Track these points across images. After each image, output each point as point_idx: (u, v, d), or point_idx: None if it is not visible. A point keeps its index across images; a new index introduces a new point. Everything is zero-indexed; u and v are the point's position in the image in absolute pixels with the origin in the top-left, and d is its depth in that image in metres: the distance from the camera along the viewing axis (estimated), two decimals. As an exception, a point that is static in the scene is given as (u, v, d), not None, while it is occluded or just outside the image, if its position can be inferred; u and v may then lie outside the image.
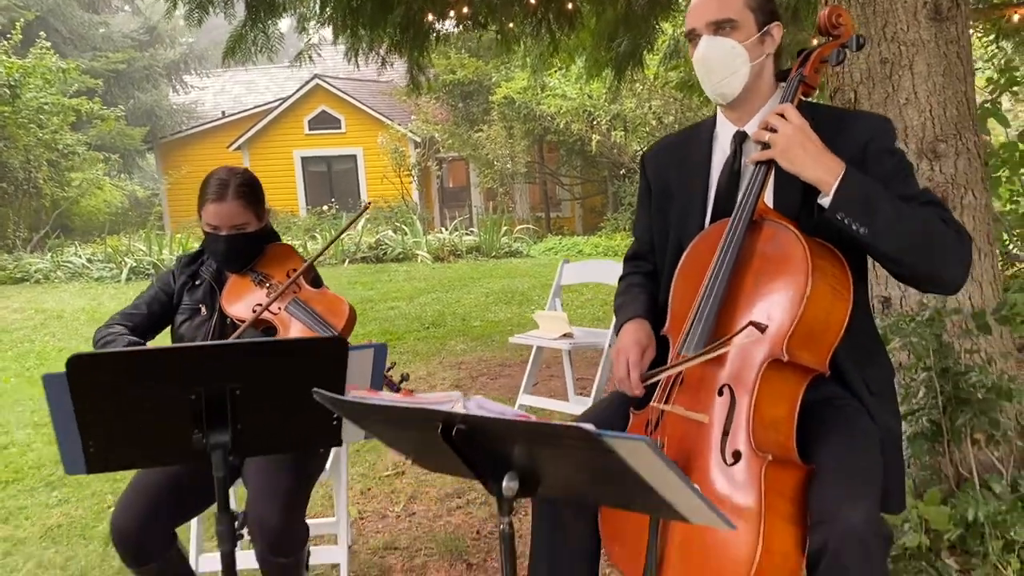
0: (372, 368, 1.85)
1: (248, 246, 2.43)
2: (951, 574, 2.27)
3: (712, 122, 1.96)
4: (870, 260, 1.81)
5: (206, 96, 25.38)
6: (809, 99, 1.84)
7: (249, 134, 19.68)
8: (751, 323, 1.63)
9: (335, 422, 1.87)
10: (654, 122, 13.13)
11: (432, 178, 19.16)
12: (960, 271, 1.70)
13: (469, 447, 1.29)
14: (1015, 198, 6.15)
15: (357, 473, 3.68)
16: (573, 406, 4.11)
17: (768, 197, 1.79)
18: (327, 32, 6.87)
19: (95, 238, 15.00)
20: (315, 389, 1.42)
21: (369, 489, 3.54)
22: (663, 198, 2.01)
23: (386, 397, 1.37)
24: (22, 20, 13.86)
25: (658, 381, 1.76)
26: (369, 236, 12.76)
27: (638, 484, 1.18)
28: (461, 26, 6.33)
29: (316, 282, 2.47)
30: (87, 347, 6.04)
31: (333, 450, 2.58)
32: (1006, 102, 7.16)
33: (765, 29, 1.78)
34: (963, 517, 2.27)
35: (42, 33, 14.63)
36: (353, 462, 3.78)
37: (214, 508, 1.74)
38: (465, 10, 5.60)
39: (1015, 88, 6.28)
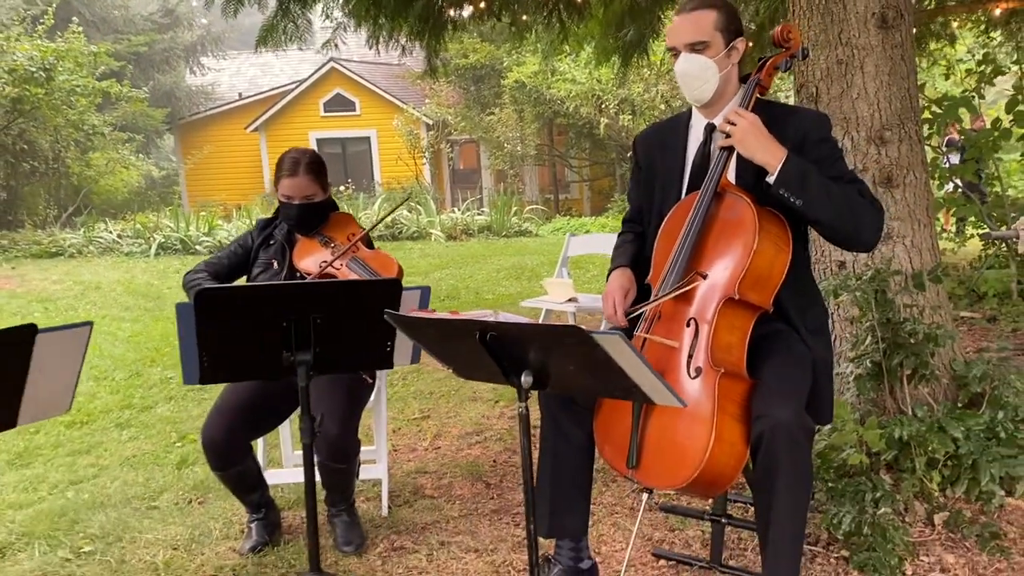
0: (418, 305, 2.36)
1: (315, 213, 2.96)
2: (885, 487, 2.76)
3: (688, 115, 2.45)
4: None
5: (222, 78, 25.81)
6: (765, 97, 2.33)
7: (266, 116, 20.18)
8: (696, 272, 2.15)
9: (388, 348, 2.39)
10: (663, 106, 13.58)
11: (444, 160, 19.63)
12: (874, 235, 2.20)
13: (499, 350, 1.81)
14: (991, 181, 6.64)
15: (389, 416, 4.20)
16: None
17: (731, 175, 2.29)
18: (339, 16, 7.28)
19: (117, 216, 15.55)
20: (386, 311, 1.94)
21: (399, 429, 4.07)
22: (649, 174, 2.51)
23: (438, 314, 1.88)
24: (54, 5, 14.37)
25: (640, 316, 2.27)
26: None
27: (615, 372, 1.69)
28: (478, 17, 6.77)
29: (369, 244, 2.99)
30: (127, 315, 6.60)
31: (377, 384, 3.10)
32: (990, 93, 7.58)
33: (731, 45, 2.26)
34: (893, 438, 2.77)
35: (75, 18, 15.17)
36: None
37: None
38: (482, 5, 6.05)
39: (999, 77, 6.74)
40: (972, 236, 7.26)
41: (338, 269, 2.84)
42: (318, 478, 2.51)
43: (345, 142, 20.34)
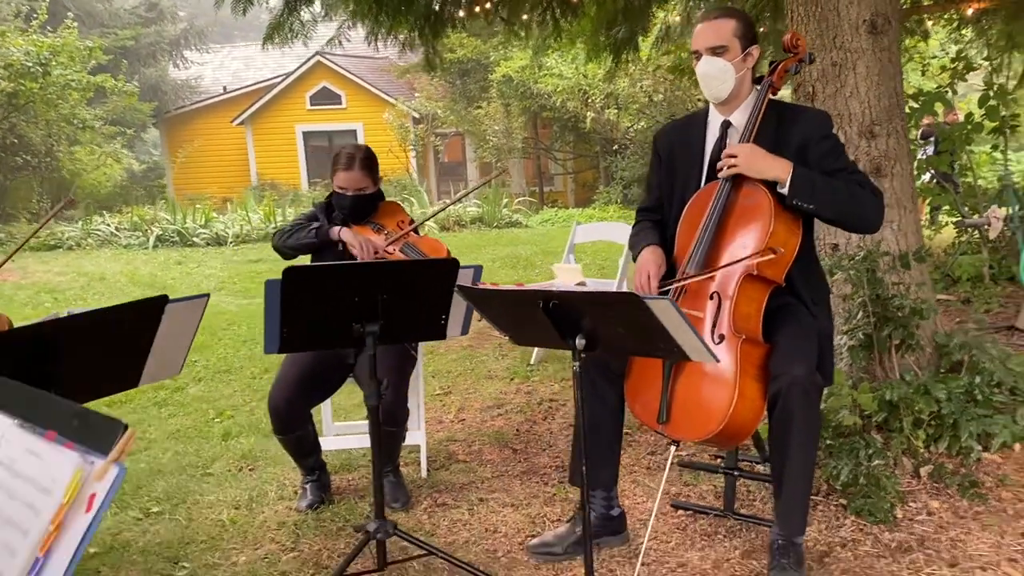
0: (472, 281, 2.65)
1: (367, 204, 3.25)
2: (876, 444, 3.09)
3: (706, 112, 2.76)
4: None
5: (206, 71, 25.81)
6: (776, 97, 2.64)
7: (252, 109, 20.31)
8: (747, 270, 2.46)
9: (443, 321, 2.69)
10: (644, 99, 13.92)
11: (430, 153, 19.87)
12: (878, 219, 2.53)
13: (558, 317, 2.11)
14: (964, 172, 7.03)
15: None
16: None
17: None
18: (318, 8, 7.42)
19: (104, 209, 15.65)
20: (458, 284, 2.24)
21: (424, 404, 4.36)
22: (671, 165, 2.82)
23: (504, 286, 2.18)
24: (47, 0, 14.46)
25: (669, 289, 2.58)
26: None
27: (661, 332, 2.00)
28: (482, 16, 7.02)
29: (417, 231, 3.28)
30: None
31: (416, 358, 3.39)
32: (962, 87, 7.99)
33: (747, 51, 2.57)
34: (884, 400, 3.11)
35: (69, 13, 15.25)
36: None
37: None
38: (487, 5, 6.32)
39: (971, 73, 7.12)
40: (946, 224, 7.65)
41: (391, 254, 3.13)
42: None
43: (331, 135, 20.50)
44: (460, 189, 18.16)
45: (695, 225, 2.59)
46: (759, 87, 2.63)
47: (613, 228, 5.05)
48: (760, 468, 3.03)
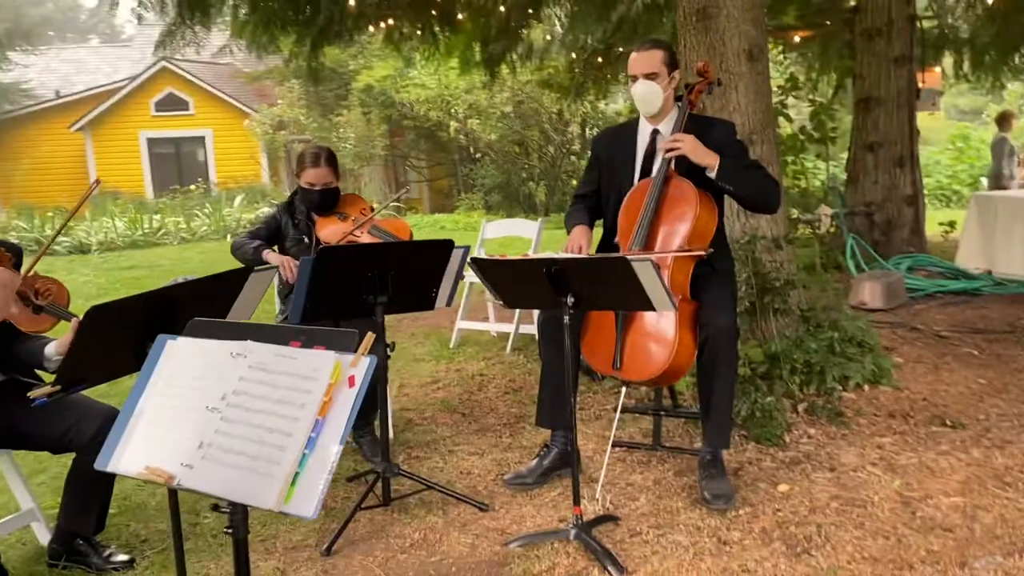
0: (460, 261, 3.20)
1: (333, 196, 3.71)
2: (761, 388, 3.88)
3: (636, 122, 3.43)
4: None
5: (30, 74, 24.44)
6: (692, 112, 3.35)
7: (92, 115, 19.54)
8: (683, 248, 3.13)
9: (434, 294, 3.22)
10: (508, 108, 14.74)
11: (282, 159, 19.84)
12: (777, 201, 3.29)
13: (557, 281, 2.71)
14: (796, 176, 8.17)
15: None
16: (494, 325, 5.56)
17: (673, 165, 3.30)
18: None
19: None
20: (472, 258, 2.78)
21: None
22: (609, 165, 3.48)
23: (513, 257, 2.75)
24: None
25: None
26: (248, 213, 13.59)
27: (638, 288, 2.63)
28: (385, 35, 7.47)
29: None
30: None
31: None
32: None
33: (672, 75, 3.27)
34: (769, 352, 3.90)
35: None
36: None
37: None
38: (391, 21, 6.81)
39: (797, 91, 8.28)
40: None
41: (358, 237, 3.60)
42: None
43: (179, 142, 20.06)
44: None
45: (635, 212, 3.25)
46: (679, 103, 3.33)
47: (521, 224, 5.67)
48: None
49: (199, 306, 2.24)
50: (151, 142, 20.02)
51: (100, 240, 12.06)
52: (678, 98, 3.35)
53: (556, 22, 9.03)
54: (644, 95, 3.25)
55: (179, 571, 2.32)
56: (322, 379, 1.59)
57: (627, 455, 3.56)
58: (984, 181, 13.32)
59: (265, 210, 13.65)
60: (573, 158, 15.87)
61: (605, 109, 16.11)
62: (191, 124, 19.95)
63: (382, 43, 9.37)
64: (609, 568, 2.65)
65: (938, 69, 10.79)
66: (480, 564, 2.76)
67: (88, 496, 2.75)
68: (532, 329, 5.36)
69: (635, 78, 3.26)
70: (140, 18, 7.11)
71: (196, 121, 19.92)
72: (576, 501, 2.84)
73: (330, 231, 3.65)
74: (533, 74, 9.98)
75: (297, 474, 1.52)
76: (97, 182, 3.03)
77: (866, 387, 4.07)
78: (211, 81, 19.83)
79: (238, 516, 1.69)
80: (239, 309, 2.47)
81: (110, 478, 2.79)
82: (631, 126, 3.46)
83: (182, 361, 1.77)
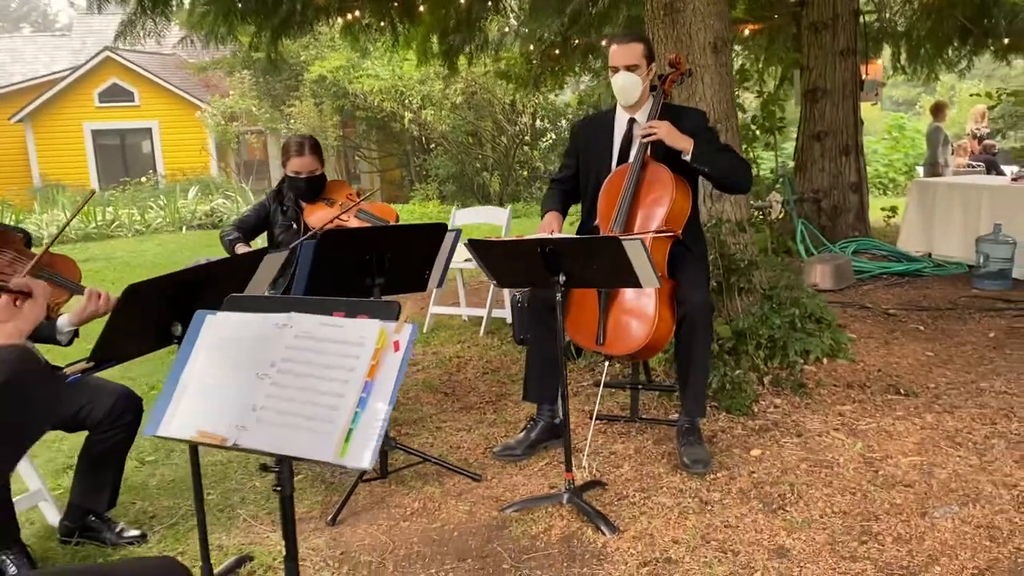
0: (452, 244, 3.35)
1: (319, 183, 3.83)
2: (729, 363, 4.11)
3: (613, 110, 3.62)
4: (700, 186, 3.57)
5: (-38, 64, 23.76)
6: (666, 101, 3.55)
7: (32, 106, 19.08)
8: (657, 229, 3.33)
9: (426, 276, 3.36)
10: (455, 101, 14.84)
11: (231, 151, 19.64)
12: (749, 183, 3.51)
13: (550, 261, 2.88)
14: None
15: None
16: (465, 309, 5.72)
17: (649, 151, 3.50)
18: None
19: None
20: (469, 239, 2.94)
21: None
22: (587, 152, 3.66)
23: (507, 238, 2.91)
24: None
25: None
26: (203, 204, 13.47)
27: (627, 266, 2.82)
28: (347, 26, 7.52)
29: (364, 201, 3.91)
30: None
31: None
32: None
33: (650, 67, 3.46)
34: (736, 329, 4.14)
35: None
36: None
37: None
38: (357, 13, 6.89)
39: (746, 83, 8.56)
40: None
41: (346, 221, 3.73)
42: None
43: (124, 133, 19.72)
44: (267, 187, 18.16)
45: (615, 195, 3.44)
46: (654, 93, 3.53)
47: (491, 212, 5.83)
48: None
49: (219, 284, 2.36)
50: (96, 133, 19.64)
51: (51, 233, 11.87)
52: (652, 88, 3.55)
53: (511, 15, 9.15)
54: (625, 86, 3.43)
55: (201, 536, 2.45)
56: (369, 344, 1.74)
57: (607, 427, 3.76)
58: (919, 169, 13.88)
59: (220, 201, 13.64)
60: (526, 148, 16.05)
61: (555, 100, 16.32)
62: (137, 115, 19.62)
63: (340, 34, 9.38)
64: (602, 527, 2.84)
65: (880, 61, 11.20)
66: (480, 528, 2.93)
67: (101, 473, 2.84)
68: (503, 313, 5.55)
69: (616, 69, 3.44)
70: (74, 6, 7.01)
71: (141, 112, 19.59)
72: (568, 467, 3.03)
73: (318, 216, 3.76)
74: (490, 65, 10.11)
75: (351, 430, 1.67)
76: (93, 192, 3.11)
77: (824, 360, 4.34)
78: (157, 72, 19.51)
79: (285, 474, 1.83)
80: (253, 288, 2.59)
81: (122, 455, 2.89)
82: (608, 115, 3.65)
83: (225, 334, 1.90)
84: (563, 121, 17.03)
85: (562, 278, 2.93)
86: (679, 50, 4.32)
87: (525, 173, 16.29)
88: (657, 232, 3.26)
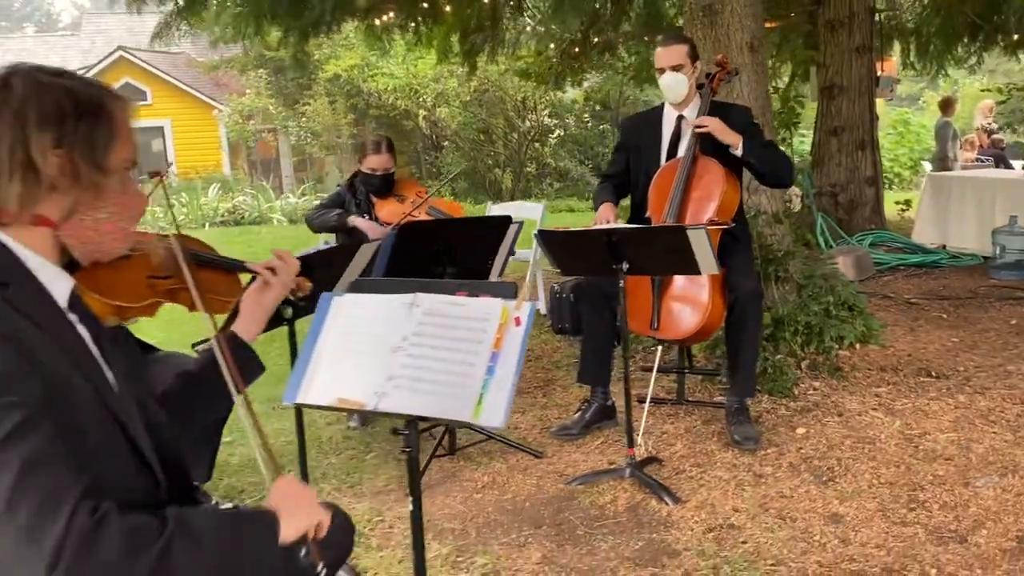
0: (513, 235, 3.54)
1: (391, 180, 4.04)
2: (768, 348, 4.31)
3: (661, 108, 3.81)
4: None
5: (-27, 63, 23.88)
6: (714, 99, 3.74)
7: (46, 105, 19.23)
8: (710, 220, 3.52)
9: (489, 265, 3.56)
10: (468, 98, 15.05)
11: (244, 149, 19.82)
12: (792, 177, 3.72)
13: (615, 250, 3.08)
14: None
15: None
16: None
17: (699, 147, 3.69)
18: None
19: None
20: (539, 229, 3.14)
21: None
22: (636, 149, 3.85)
23: (574, 228, 3.11)
24: None
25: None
26: (225, 202, 13.67)
27: (688, 254, 3.02)
28: (367, 28, 7.66)
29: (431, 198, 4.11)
30: None
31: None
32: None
33: (695, 66, 3.65)
34: (776, 315, 4.34)
35: None
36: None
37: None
38: (392, 15, 7.07)
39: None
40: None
41: (416, 216, 3.93)
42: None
43: (137, 132, 19.83)
44: (278, 185, 18.35)
45: (666, 188, 3.63)
46: (701, 91, 3.72)
47: (526, 207, 6.03)
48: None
49: (323, 271, 2.56)
50: (107, 132, 19.75)
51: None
52: (699, 86, 3.74)
53: (533, 14, 9.32)
54: (671, 85, 3.63)
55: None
56: (493, 320, 1.94)
57: (656, 409, 3.96)
58: (925, 164, 14.07)
59: (241, 198, 13.87)
60: (537, 145, 16.25)
61: (563, 96, 16.50)
62: (149, 114, 19.75)
63: (363, 35, 9.54)
64: (666, 498, 3.05)
65: (894, 58, 11.39)
66: (550, 499, 3.13)
67: (200, 445, 3.03)
68: (538, 305, 5.74)
69: (662, 71, 3.64)
70: (139, 10, 7.20)
71: (154, 111, 19.72)
72: (630, 443, 3.23)
73: (389, 211, 3.97)
74: (509, 64, 10.29)
75: (482, 395, 1.87)
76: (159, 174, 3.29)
77: (857, 346, 4.53)
78: (168, 71, 19.68)
79: (413, 436, 2.03)
80: (349, 275, 2.79)
81: (219, 429, 3.08)
82: (656, 112, 3.85)
83: (355, 312, 2.10)
84: (571, 117, 17.22)
85: (625, 266, 3.13)
86: (718, 50, 4.51)
87: (535, 170, 16.48)
88: (712, 223, 3.45)
